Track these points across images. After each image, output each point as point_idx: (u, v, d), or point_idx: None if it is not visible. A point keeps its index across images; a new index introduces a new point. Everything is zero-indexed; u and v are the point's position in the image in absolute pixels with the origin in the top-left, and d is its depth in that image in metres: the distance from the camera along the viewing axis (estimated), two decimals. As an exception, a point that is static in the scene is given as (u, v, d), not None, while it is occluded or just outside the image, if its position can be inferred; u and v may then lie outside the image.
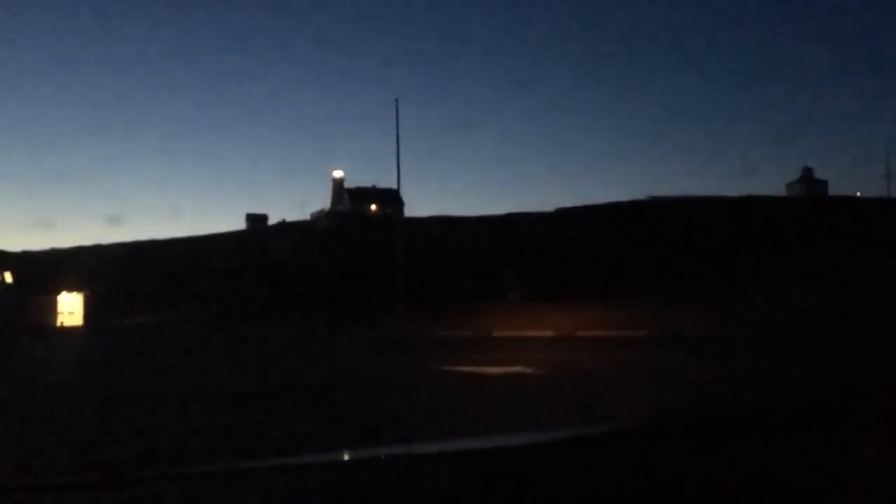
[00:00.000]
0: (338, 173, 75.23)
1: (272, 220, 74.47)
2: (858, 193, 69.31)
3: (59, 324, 45.88)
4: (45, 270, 50.62)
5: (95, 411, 10.32)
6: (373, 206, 66.58)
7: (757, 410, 1.91)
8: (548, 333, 23.68)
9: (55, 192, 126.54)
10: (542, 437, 1.75)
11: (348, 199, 72.44)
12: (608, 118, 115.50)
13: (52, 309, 46.36)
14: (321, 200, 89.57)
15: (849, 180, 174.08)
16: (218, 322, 34.25)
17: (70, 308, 47.47)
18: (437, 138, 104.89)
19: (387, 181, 74.08)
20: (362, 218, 66.07)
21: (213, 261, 51.99)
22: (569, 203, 78.63)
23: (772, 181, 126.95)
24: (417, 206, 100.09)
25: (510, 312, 31.72)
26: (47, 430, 8.75)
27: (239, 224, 75.08)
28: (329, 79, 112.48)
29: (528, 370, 14.09)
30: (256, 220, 73.55)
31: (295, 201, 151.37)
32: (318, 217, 72.59)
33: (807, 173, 72.43)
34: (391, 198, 50.23)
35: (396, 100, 55.06)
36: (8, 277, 48.63)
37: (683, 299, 28.31)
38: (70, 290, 47.62)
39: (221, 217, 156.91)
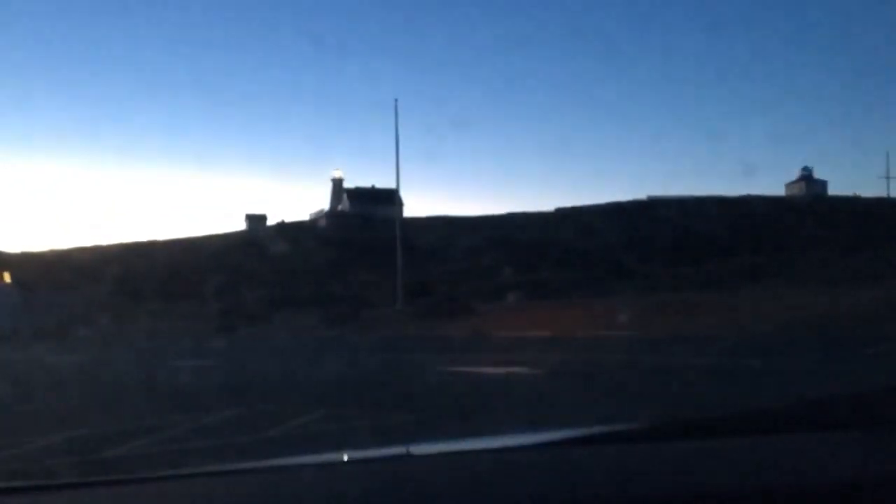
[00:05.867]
0: (337, 173, 75.24)
1: (271, 221, 74.42)
2: (858, 193, 69.27)
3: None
4: (45, 271, 50.59)
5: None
6: (372, 207, 66.51)
7: (757, 410, 1.90)
8: (547, 333, 23.66)
9: (55, 191, 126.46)
10: (542, 437, 1.75)
11: (347, 199, 72.40)
12: (608, 118, 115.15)
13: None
14: (320, 200, 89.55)
15: (849, 180, 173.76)
16: (216, 322, 34.21)
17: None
18: (437, 138, 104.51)
19: (386, 181, 74.04)
20: (361, 218, 66.00)
21: (212, 261, 51.99)
22: (569, 203, 78.47)
23: (771, 181, 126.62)
24: (417, 205, 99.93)
25: (510, 312, 31.71)
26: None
27: (238, 224, 75.04)
28: (329, 79, 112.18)
29: (528, 370, 14.09)
30: (256, 220, 73.46)
31: (294, 201, 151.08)
32: (318, 217, 72.56)
33: (806, 173, 72.38)
34: (390, 198, 50.16)
35: (396, 100, 55.22)
36: (7, 278, 48.57)
37: (683, 299, 28.31)
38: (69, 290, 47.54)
39: (221, 217, 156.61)
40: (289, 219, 73.85)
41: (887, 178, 66.71)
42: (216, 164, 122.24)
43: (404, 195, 57.36)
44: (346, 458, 1.67)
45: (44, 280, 46.60)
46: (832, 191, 71.66)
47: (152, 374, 16.17)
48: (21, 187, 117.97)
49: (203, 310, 37.02)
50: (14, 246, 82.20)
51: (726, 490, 1.35)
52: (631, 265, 42.57)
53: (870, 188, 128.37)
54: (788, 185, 73.26)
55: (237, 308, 38.40)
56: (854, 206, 61.79)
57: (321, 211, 73.75)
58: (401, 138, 42.82)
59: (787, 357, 14.88)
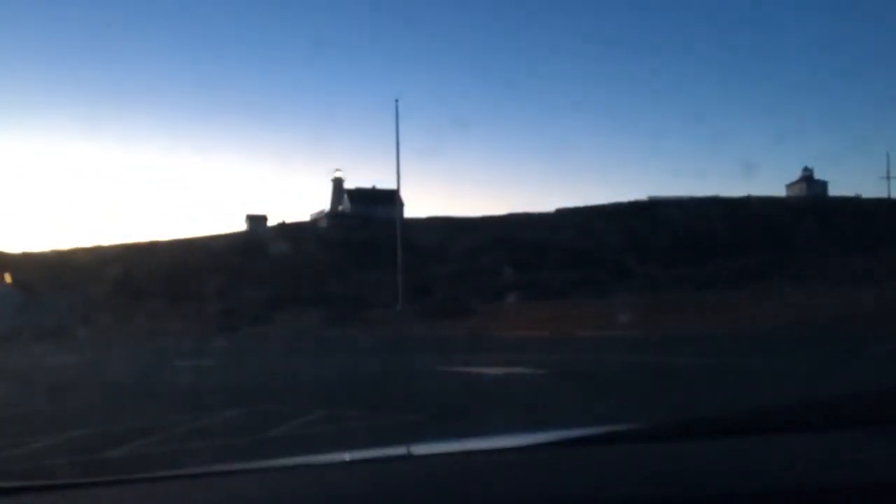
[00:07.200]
0: (337, 174, 75.25)
1: (272, 221, 74.44)
2: (859, 194, 69.24)
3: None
4: (45, 271, 50.59)
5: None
6: (372, 207, 66.52)
7: (757, 410, 1.90)
8: (547, 334, 23.67)
9: (55, 191, 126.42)
10: (542, 437, 1.75)
11: (348, 199, 72.40)
12: (608, 118, 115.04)
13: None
14: (321, 201, 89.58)
15: (849, 181, 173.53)
16: (217, 322, 34.24)
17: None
18: (437, 138, 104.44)
19: (386, 181, 74.08)
20: (362, 218, 65.99)
21: (213, 261, 51.96)
22: (569, 203, 78.47)
23: (772, 181, 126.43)
24: (417, 206, 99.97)
25: (510, 312, 31.73)
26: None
27: (239, 224, 75.04)
28: (329, 79, 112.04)
29: (528, 370, 14.10)
30: (256, 221, 73.47)
31: (295, 202, 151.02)
32: (318, 217, 72.55)
33: (807, 173, 72.35)
34: (391, 198, 50.17)
35: (396, 100, 55.18)
36: (7, 278, 48.60)
37: (683, 299, 28.31)
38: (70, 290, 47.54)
39: (221, 217, 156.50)
40: (289, 219, 73.92)
41: (888, 178, 66.75)
42: (217, 165, 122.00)
43: (404, 195, 57.38)
44: (346, 458, 1.67)
45: (44, 280, 46.63)
46: (833, 191, 71.69)
47: (153, 374, 16.18)
48: (21, 187, 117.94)
49: (204, 310, 37.04)
50: (14, 246, 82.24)
51: (726, 490, 1.35)
52: (631, 265, 42.57)
53: (870, 189, 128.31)
54: (789, 186, 73.24)
55: (238, 308, 38.43)
56: (854, 207, 61.79)
57: (322, 211, 73.77)
58: (401, 138, 42.88)
59: (787, 357, 14.87)
